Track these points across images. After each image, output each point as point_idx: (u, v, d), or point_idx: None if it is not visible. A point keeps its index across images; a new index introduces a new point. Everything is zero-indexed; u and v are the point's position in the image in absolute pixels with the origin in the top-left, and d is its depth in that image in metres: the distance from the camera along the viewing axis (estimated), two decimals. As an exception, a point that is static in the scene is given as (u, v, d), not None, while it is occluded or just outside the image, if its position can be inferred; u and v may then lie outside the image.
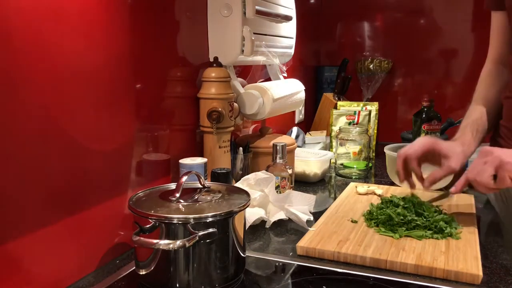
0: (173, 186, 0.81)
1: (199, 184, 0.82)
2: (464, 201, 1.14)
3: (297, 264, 0.84)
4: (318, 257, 0.86)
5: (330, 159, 1.50)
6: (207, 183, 0.84)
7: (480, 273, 0.77)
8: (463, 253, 0.84)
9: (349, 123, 1.64)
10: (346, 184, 1.34)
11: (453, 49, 2.00)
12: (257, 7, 1.14)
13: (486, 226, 1.04)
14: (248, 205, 0.77)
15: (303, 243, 0.89)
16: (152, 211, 0.70)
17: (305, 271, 0.82)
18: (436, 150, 1.02)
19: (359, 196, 1.20)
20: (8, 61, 0.64)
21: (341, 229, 0.96)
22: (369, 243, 0.89)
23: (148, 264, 0.72)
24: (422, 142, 1.04)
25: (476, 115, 1.09)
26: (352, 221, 1.00)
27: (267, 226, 1.01)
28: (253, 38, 1.16)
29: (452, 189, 0.97)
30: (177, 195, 0.75)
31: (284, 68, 1.47)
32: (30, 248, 0.70)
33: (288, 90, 1.37)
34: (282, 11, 1.38)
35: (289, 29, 1.48)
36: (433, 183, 1.01)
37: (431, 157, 1.03)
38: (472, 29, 1.95)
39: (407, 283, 0.77)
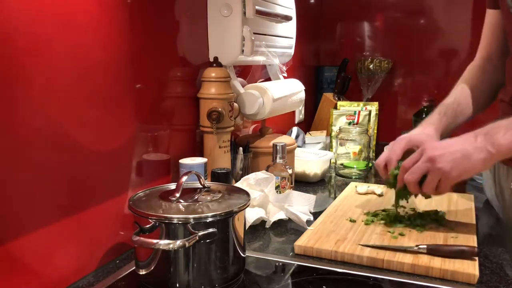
0: (173, 186, 0.81)
1: (199, 184, 0.82)
2: (463, 201, 1.14)
3: (297, 264, 0.84)
4: (316, 256, 0.87)
5: (330, 159, 1.50)
6: (207, 183, 0.84)
7: (477, 272, 0.77)
8: None
9: (349, 123, 1.64)
10: (346, 184, 1.34)
11: (453, 49, 2.00)
12: (257, 7, 1.14)
13: (486, 226, 1.04)
14: (248, 205, 0.77)
15: (301, 242, 0.89)
16: (152, 211, 0.70)
17: (305, 271, 0.82)
18: (413, 145, 1.02)
19: (358, 196, 1.20)
20: (8, 61, 0.64)
21: (339, 229, 0.96)
22: (366, 242, 0.88)
23: (148, 264, 0.72)
24: (399, 145, 1.01)
25: (448, 101, 1.10)
26: (350, 221, 1.00)
27: (267, 226, 1.01)
28: (253, 38, 1.16)
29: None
30: (177, 195, 0.75)
31: (284, 68, 1.47)
32: (30, 248, 0.70)
33: (288, 90, 1.37)
34: (282, 11, 1.38)
35: (289, 29, 1.48)
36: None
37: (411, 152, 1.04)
38: (472, 28, 1.95)
39: (406, 283, 0.77)
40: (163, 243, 0.67)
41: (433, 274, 0.79)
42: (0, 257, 0.65)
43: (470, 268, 0.78)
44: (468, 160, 0.84)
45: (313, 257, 0.87)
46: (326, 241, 0.89)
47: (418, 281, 0.78)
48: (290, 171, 1.15)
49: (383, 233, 0.93)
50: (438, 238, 0.90)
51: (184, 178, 0.76)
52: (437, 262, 0.80)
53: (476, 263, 0.80)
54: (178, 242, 0.66)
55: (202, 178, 0.82)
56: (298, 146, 1.54)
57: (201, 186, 0.82)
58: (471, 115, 1.11)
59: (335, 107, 1.75)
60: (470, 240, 0.89)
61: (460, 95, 1.12)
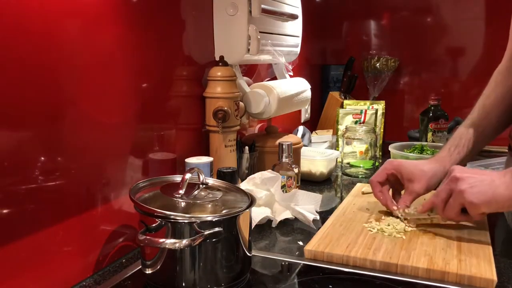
0: (172, 178, 0.82)
1: (204, 182, 0.82)
2: None
3: (304, 264, 0.84)
4: (327, 260, 0.84)
5: (337, 158, 1.49)
6: (212, 181, 0.84)
7: (495, 277, 0.75)
8: (476, 257, 0.82)
9: (356, 122, 1.63)
10: (353, 183, 1.33)
11: (461, 47, 1.99)
12: (263, 6, 1.14)
13: (494, 226, 1.03)
14: (254, 204, 0.76)
15: (311, 246, 0.87)
16: (159, 210, 0.70)
17: (312, 270, 0.82)
18: (398, 174, 1.01)
19: (366, 197, 1.18)
20: (11, 61, 0.64)
21: (349, 232, 0.94)
22: (378, 246, 0.87)
23: (154, 263, 0.72)
24: (384, 166, 1.02)
25: (462, 129, 1.04)
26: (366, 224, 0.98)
27: (273, 226, 1.01)
28: (259, 37, 1.16)
29: (419, 208, 0.94)
30: (181, 192, 0.75)
31: (290, 67, 1.47)
32: (36, 248, 0.70)
33: (294, 89, 1.36)
34: (288, 9, 1.38)
35: (295, 27, 1.48)
36: (406, 207, 0.98)
37: (398, 181, 1.03)
38: (480, 27, 1.94)
39: (414, 283, 0.77)
40: (169, 242, 0.67)
41: (449, 279, 0.77)
42: (6, 257, 0.65)
43: (488, 273, 0.76)
44: (492, 191, 0.80)
45: (324, 262, 0.84)
46: (337, 245, 0.87)
47: (429, 282, 0.77)
48: (296, 170, 1.15)
49: (395, 239, 0.91)
50: (451, 243, 0.88)
51: (188, 175, 0.76)
52: (453, 267, 0.78)
53: (493, 267, 0.78)
54: (184, 241, 0.66)
55: (208, 176, 0.82)
56: (304, 145, 1.54)
57: (205, 185, 0.81)
58: (497, 133, 1.05)
59: (342, 106, 1.75)
60: (485, 244, 0.87)
61: (481, 115, 1.03)
